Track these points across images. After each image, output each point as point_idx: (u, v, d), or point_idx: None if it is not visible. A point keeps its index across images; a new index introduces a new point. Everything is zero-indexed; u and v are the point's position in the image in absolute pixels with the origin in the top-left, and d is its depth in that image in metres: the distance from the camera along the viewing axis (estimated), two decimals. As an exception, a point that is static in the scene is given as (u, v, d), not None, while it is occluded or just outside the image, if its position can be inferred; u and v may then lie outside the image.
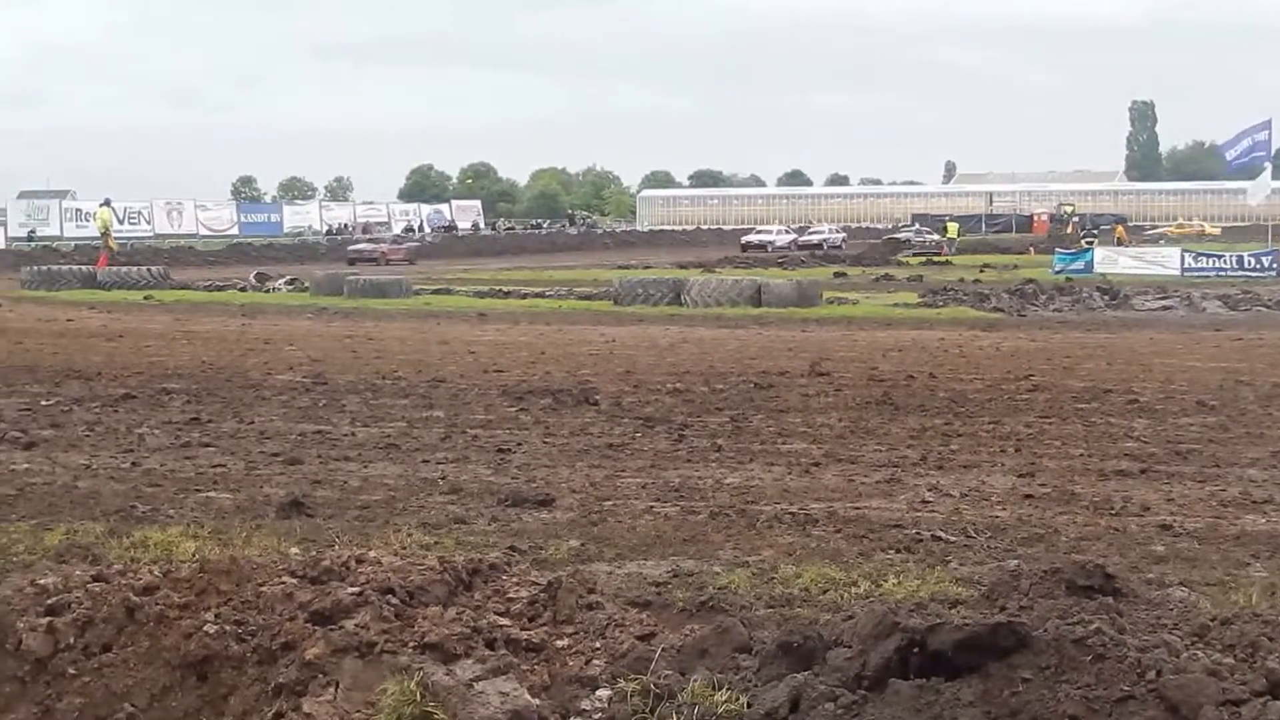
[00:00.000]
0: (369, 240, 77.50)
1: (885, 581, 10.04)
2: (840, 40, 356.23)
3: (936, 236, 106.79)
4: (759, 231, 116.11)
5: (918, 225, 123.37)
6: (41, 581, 7.55)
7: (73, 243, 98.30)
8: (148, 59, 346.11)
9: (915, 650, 5.62)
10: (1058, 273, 60.93)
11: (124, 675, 6.72)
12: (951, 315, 40.18)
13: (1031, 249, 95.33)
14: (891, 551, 11.50)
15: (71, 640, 6.90)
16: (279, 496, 13.81)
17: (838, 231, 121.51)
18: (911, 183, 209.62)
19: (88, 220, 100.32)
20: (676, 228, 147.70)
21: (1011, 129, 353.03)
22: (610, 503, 13.67)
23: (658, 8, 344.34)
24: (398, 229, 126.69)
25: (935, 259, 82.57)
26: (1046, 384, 22.94)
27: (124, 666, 6.75)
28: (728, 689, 5.73)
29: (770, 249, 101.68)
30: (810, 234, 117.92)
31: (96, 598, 7.11)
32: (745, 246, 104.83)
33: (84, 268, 62.21)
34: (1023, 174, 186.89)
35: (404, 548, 10.58)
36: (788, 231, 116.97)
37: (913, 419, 19.03)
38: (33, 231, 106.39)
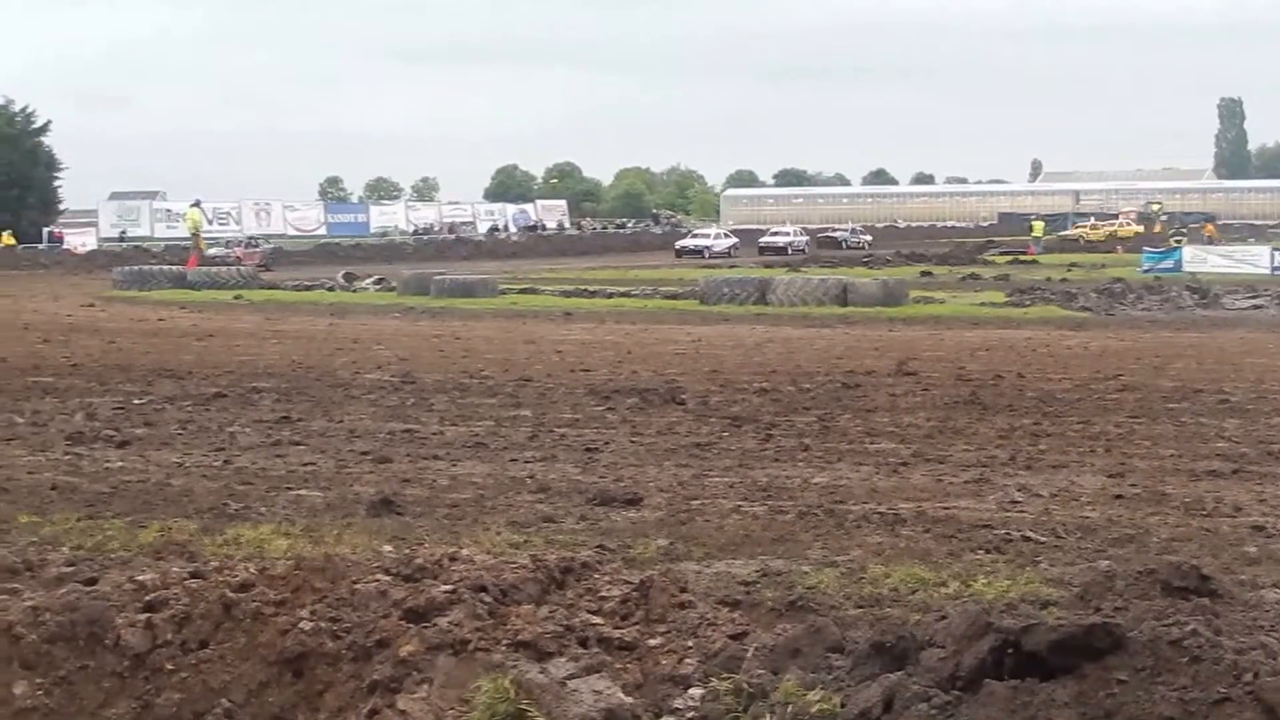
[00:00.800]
0: (224, 246, 73.94)
1: (975, 582, 10.01)
2: (928, 38, 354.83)
3: (869, 237, 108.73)
4: (774, 233, 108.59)
5: (851, 225, 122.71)
6: (140, 578, 7.63)
7: (162, 243, 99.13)
8: (237, 61, 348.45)
9: (1009, 651, 5.60)
10: (1146, 271, 60.41)
11: (221, 671, 6.78)
12: (1039, 314, 39.94)
13: (1119, 247, 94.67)
14: (981, 552, 11.45)
15: (169, 636, 6.96)
16: (369, 495, 13.88)
17: (862, 232, 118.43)
18: (997, 181, 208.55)
19: (178, 221, 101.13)
20: (760, 227, 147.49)
21: (1099, 127, 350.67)
22: (698, 502, 13.67)
23: (742, 5, 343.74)
24: (483, 229, 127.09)
25: (1021, 258, 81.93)
26: (1136, 384, 22.78)
27: (221, 662, 6.81)
28: (820, 688, 5.72)
29: (790, 250, 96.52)
30: (832, 233, 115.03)
31: (194, 594, 7.17)
32: (763, 249, 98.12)
33: (174, 268, 62.73)
34: (1110, 172, 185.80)
35: (493, 546, 10.61)
36: (804, 232, 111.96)
37: (1001, 419, 18.94)
38: (124, 232, 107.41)
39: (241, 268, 61.73)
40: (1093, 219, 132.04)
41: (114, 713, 6.81)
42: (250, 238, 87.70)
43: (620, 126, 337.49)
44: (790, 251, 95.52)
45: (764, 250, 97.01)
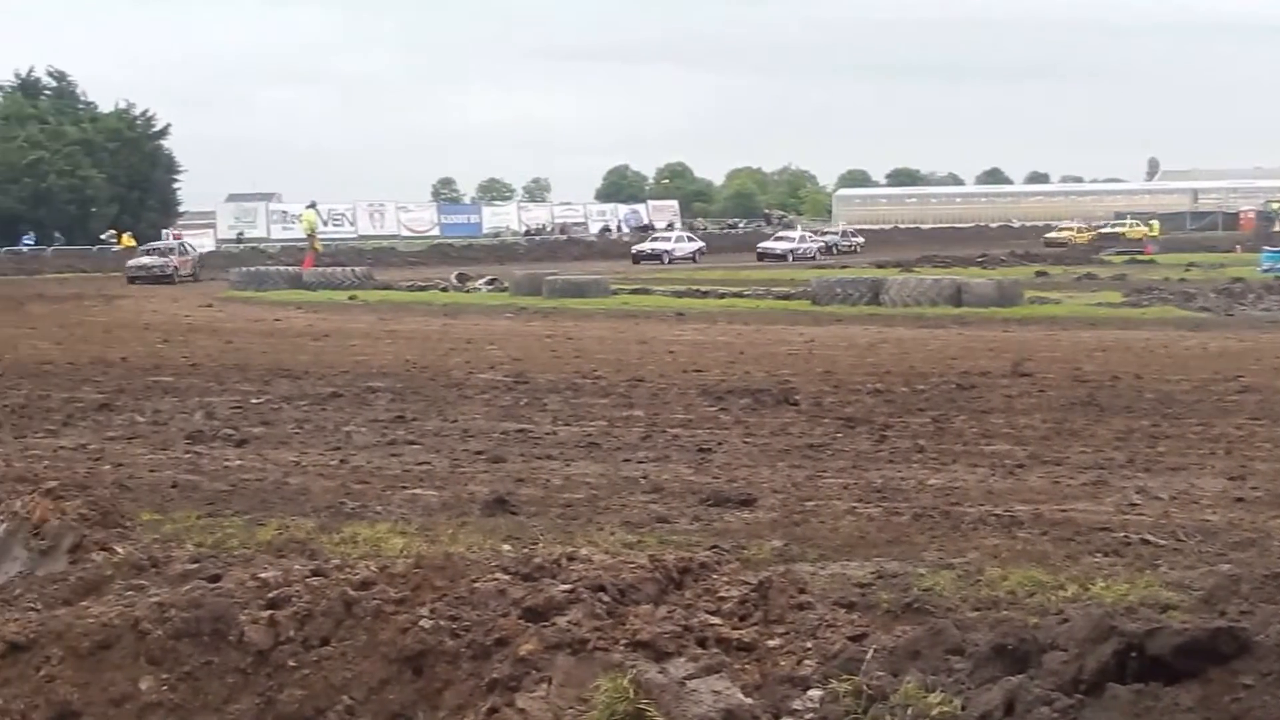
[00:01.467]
0: (152, 253, 72.02)
1: (1093, 585, 9.94)
2: (1042, 35, 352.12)
3: (862, 239, 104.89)
4: (778, 238, 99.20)
5: (844, 228, 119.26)
6: (263, 575, 7.70)
7: (279, 244, 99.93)
8: (350, 63, 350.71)
9: (1132, 655, 5.55)
10: (1265, 271, 59.60)
11: (342, 668, 6.83)
12: (1157, 315, 39.46)
13: (1238, 247, 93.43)
14: (1099, 555, 11.37)
15: (291, 633, 7.03)
16: (483, 494, 13.97)
17: (854, 234, 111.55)
18: (1113, 180, 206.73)
19: (293, 222, 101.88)
20: (873, 227, 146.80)
21: (1217, 125, 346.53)
22: (812, 503, 13.65)
23: (852, 4, 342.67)
24: (594, 229, 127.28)
25: (1139, 258, 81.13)
26: (1257, 385, 22.50)
27: (342, 659, 6.87)
28: (941, 691, 5.70)
29: (793, 257, 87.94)
30: (825, 235, 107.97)
31: (315, 592, 7.23)
32: (761, 255, 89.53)
33: (290, 269, 63.25)
34: (1229, 170, 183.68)
35: (608, 547, 10.64)
36: (815, 236, 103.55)
37: (1118, 420, 18.78)
38: (241, 234, 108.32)
39: (355, 269, 62.07)
40: (1077, 222, 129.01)
41: (237, 709, 6.88)
42: (181, 243, 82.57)
43: (732, 126, 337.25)
44: (792, 259, 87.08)
45: (763, 256, 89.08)
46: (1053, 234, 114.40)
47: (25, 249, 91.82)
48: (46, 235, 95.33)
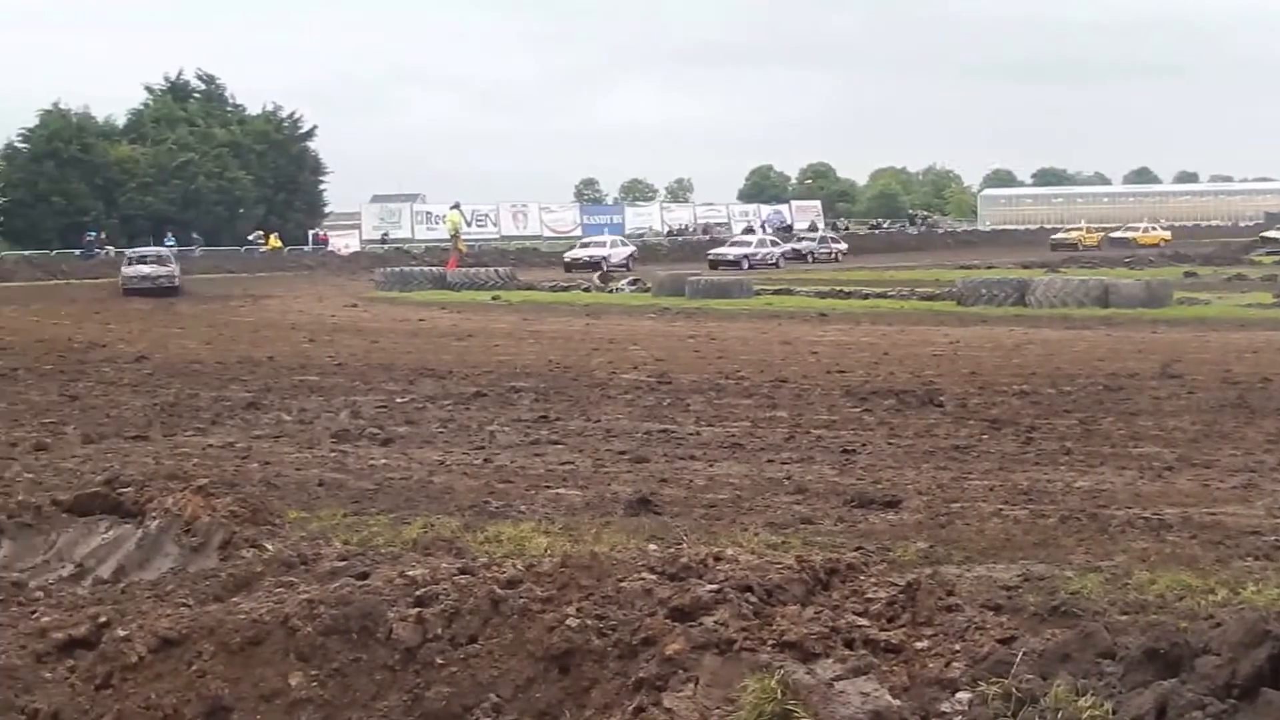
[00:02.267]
0: (150, 261, 67.64)
1: (1244, 589, 9.78)
2: (1191, 33, 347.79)
3: (844, 246, 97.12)
4: (734, 243, 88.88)
5: (820, 233, 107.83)
6: (410, 573, 7.76)
7: (423, 245, 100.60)
8: (493, 63, 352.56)
9: (1287, 659, 5.49)
10: None
11: (489, 666, 6.87)
12: (1308, 317, 38.88)
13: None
14: (1249, 558, 11.19)
15: (439, 631, 7.07)
16: (627, 494, 13.96)
17: (835, 240, 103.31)
18: (1264, 179, 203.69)
19: (437, 223, 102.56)
20: (1018, 227, 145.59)
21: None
22: (957, 505, 13.54)
23: (998, 3, 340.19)
24: (737, 230, 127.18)
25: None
26: None
27: (489, 657, 6.90)
28: (1091, 695, 5.65)
29: (747, 263, 76.45)
30: (796, 245, 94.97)
31: (463, 590, 7.28)
32: (714, 263, 78.05)
33: (434, 269, 63.73)
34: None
35: (752, 547, 10.62)
36: (766, 238, 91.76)
37: (1269, 422, 18.48)
38: (386, 234, 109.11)
39: (498, 269, 62.44)
40: (1085, 223, 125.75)
41: (385, 705, 6.93)
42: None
43: (876, 126, 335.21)
44: (748, 265, 75.97)
45: (715, 264, 77.54)
46: (1059, 235, 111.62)
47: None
48: (187, 236, 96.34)
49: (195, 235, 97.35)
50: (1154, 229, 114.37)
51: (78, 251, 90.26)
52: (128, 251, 72.23)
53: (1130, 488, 14.42)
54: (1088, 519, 12.73)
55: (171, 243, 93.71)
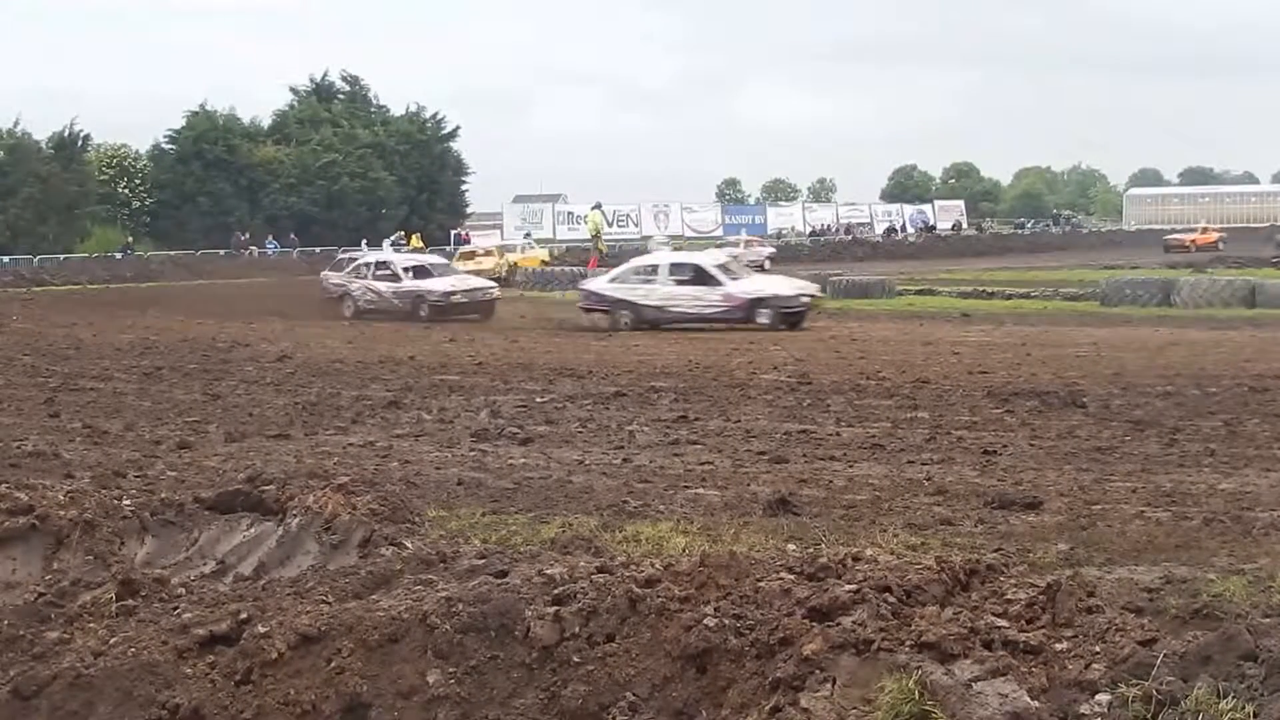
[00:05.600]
0: None
1: (1390, 593, 9.63)
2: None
3: (769, 249, 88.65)
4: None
5: (747, 244, 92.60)
6: (549, 571, 7.78)
7: (564, 245, 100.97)
8: (634, 62, 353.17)
9: None
10: None
11: (626, 665, 6.87)
12: None
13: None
14: (1398, 562, 11.02)
15: (576, 629, 7.08)
16: (765, 494, 13.93)
17: (763, 245, 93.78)
18: None
19: (579, 223, 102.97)
20: (1165, 227, 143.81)
21: None
22: (1099, 507, 13.41)
23: (1146, 2, 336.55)
24: (880, 230, 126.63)
25: None
26: None
27: (626, 656, 6.90)
28: (1233, 697, 5.59)
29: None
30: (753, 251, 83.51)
31: (601, 589, 7.28)
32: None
33: (575, 269, 64.04)
34: None
35: (892, 548, 10.55)
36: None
37: None
38: (528, 234, 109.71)
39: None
40: (1204, 222, 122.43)
41: (522, 703, 6.95)
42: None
43: (1020, 124, 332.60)
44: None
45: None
46: (1173, 236, 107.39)
47: (271, 252, 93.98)
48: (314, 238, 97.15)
49: (293, 235, 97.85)
50: (1210, 229, 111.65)
51: (222, 252, 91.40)
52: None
53: (1275, 490, 14.22)
54: (1231, 521, 12.58)
55: (274, 246, 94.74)
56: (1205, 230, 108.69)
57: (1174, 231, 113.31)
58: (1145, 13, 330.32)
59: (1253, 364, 25.70)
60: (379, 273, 47.34)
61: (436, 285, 46.19)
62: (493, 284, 50.71)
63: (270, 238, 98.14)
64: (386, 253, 60.49)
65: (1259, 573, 10.46)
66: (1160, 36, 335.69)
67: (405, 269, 47.78)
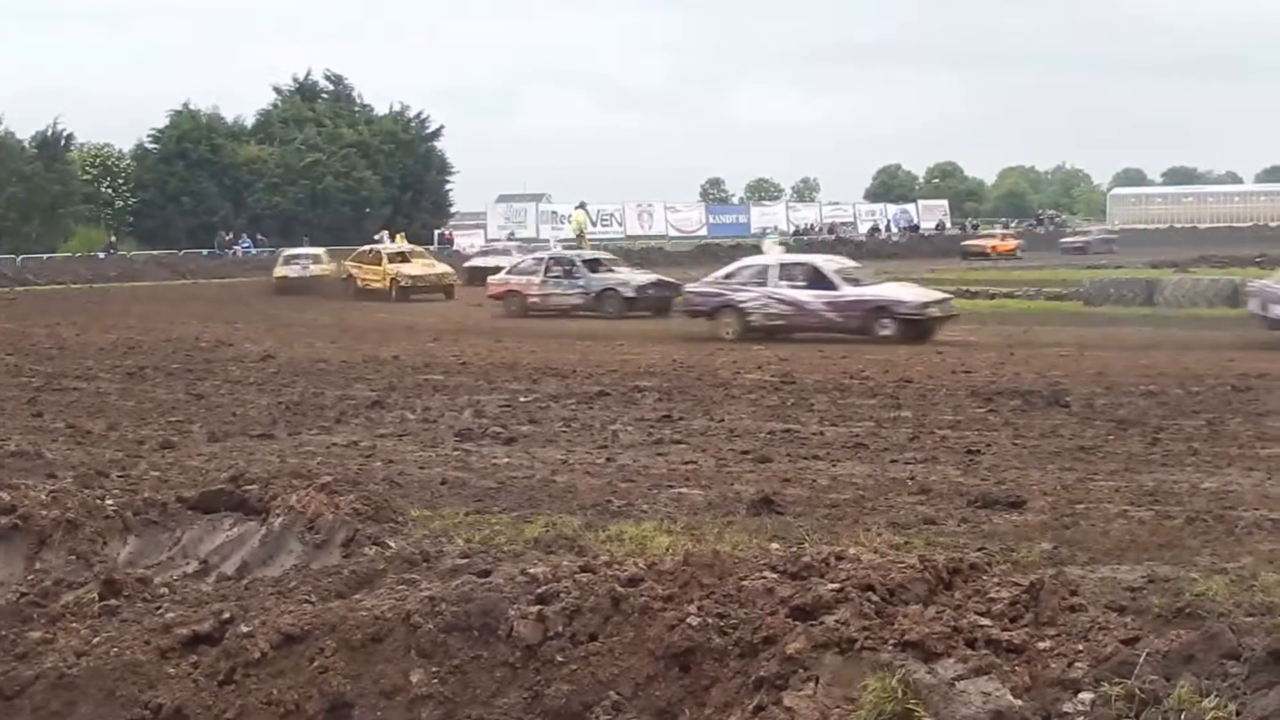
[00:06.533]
0: None
1: (1372, 592, 9.65)
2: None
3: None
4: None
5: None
6: (532, 570, 7.79)
7: (548, 244, 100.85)
8: (617, 62, 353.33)
9: None
10: None
11: (609, 664, 6.88)
12: None
13: None
14: (1381, 561, 11.04)
15: (560, 629, 7.09)
16: (749, 494, 13.94)
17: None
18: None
19: (563, 223, 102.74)
20: (1148, 226, 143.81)
21: None
22: (1082, 506, 13.43)
23: (1127, 2, 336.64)
24: (863, 229, 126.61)
25: None
26: None
27: (609, 655, 6.91)
28: (1215, 695, 5.60)
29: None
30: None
31: (584, 588, 7.29)
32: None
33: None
34: None
35: (876, 547, 10.56)
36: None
37: (1402, 424, 18.23)
38: (511, 234, 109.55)
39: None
40: (1000, 228, 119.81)
41: (505, 702, 6.95)
42: None
43: (1003, 125, 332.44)
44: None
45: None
46: (970, 242, 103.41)
47: (248, 251, 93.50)
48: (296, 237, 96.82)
49: (260, 236, 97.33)
50: (1009, 236, 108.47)
51: (205, 252, 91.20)
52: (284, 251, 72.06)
53: (1258, 489, 14.25)
54: (1214, 520, 12.60)
55: (247, 245, 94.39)
56: (1005, 237, 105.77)
57: (973, 237, 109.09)
58: (1130, 13, 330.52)
59: (1236, 363, 25.70)
60: (793, 281, 35.91)
61: (896, 293, 35.87)
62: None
63: (243, 236, 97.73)
64: (775, 254, 44.75)
65: (1241, 572, 10.48)
66: (1144, 36, 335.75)
67: (845, 275, 36.32)
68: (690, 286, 39.31)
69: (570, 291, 45.21)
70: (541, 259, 48.50)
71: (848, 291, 34.66)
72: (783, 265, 36.98)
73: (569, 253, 52.47)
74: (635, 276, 46.90)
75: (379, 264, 59.71)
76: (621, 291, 44.60)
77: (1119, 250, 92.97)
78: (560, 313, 44.09)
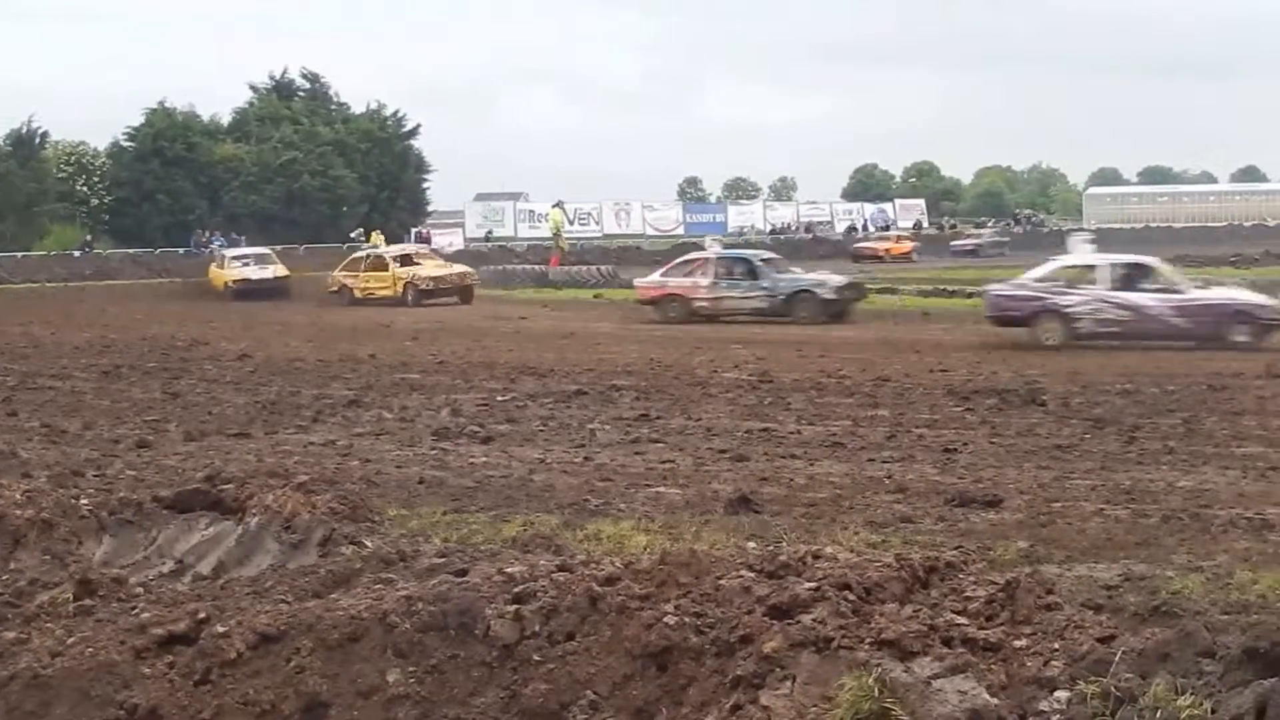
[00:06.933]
0: None
1: (1349, 590, 9.68)
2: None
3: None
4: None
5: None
6: (509, 570, 7.77)
7: (525, 243, 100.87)
8: (596, 61, 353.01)
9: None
10: None
11: (586, 663, 6.87)
12: None
13: None
14: (1355, 560, 11.08)
15: (537, 628, 7.08)
16: (727, 492, 13.97)
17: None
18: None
19: (540, 221, 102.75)
20: (1124, 226, 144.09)
21: None
22: (1059, 504, 13.48)
23: (1105, 2, 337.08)
24: (840, 228, 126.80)
25: None
26: None
27: (586, 655, 6.90)
28: (1190, 694, 5.60)
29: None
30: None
31: (561, 587, 7.28)
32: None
33: (537, 267, 64.13)
34: None
35: (852, 546, 10.57)
36: None
37: (1376, 423, 18.28)
38: (489, 232, 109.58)
39: (600, 268, 62.65)
40: (895, 229, 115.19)
41: (482, 702, 6.94)
42: None
43: (981, 124, 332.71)
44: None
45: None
46: (862, 244, 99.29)
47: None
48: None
49: (235, 235, 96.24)
50: (904, 239, 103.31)
51: (181, 250, 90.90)
52: (227, 252, 68.10)
53: (1233, 487, 14.30)
54: (1190, 519, 12.65)
55: (220, 243, 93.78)
56: (900, 239, 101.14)
57: (864, 240, 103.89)
58: (1106, 12, 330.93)
59: (1211, 362, 25.77)
60: (1127, 283, 32.11)
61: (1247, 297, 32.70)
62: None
63: (216, 233, 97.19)
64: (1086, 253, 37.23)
65: (1217, 570, 10.53)
66: (1120, 36, 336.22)
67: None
68: (996, 288, 34.93)
69: (751, 294, 40.40)
70: (708, 258, 43.27)
71: (1196, 295, 31.63)
72: (1112, 264, 33.16)
73: (745, 251, 49.56)
74: (830, 277, 42.75)
75: (383, 269, 53.65)
76: (819, 293, 40.25)
77: (1010, 254, 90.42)
78: (732, 317, 39.95)
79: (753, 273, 41.11)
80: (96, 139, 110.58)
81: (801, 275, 42.38)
